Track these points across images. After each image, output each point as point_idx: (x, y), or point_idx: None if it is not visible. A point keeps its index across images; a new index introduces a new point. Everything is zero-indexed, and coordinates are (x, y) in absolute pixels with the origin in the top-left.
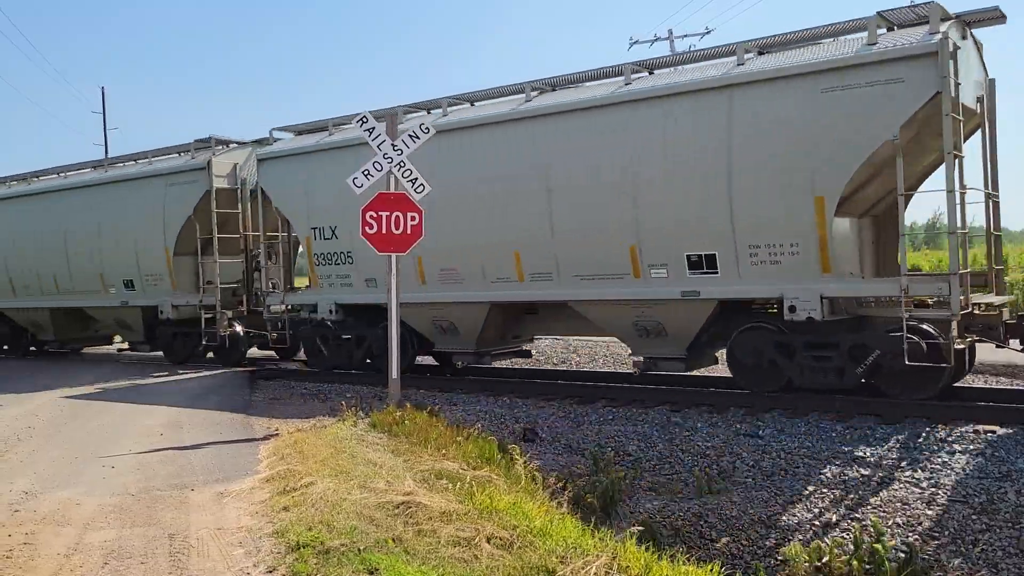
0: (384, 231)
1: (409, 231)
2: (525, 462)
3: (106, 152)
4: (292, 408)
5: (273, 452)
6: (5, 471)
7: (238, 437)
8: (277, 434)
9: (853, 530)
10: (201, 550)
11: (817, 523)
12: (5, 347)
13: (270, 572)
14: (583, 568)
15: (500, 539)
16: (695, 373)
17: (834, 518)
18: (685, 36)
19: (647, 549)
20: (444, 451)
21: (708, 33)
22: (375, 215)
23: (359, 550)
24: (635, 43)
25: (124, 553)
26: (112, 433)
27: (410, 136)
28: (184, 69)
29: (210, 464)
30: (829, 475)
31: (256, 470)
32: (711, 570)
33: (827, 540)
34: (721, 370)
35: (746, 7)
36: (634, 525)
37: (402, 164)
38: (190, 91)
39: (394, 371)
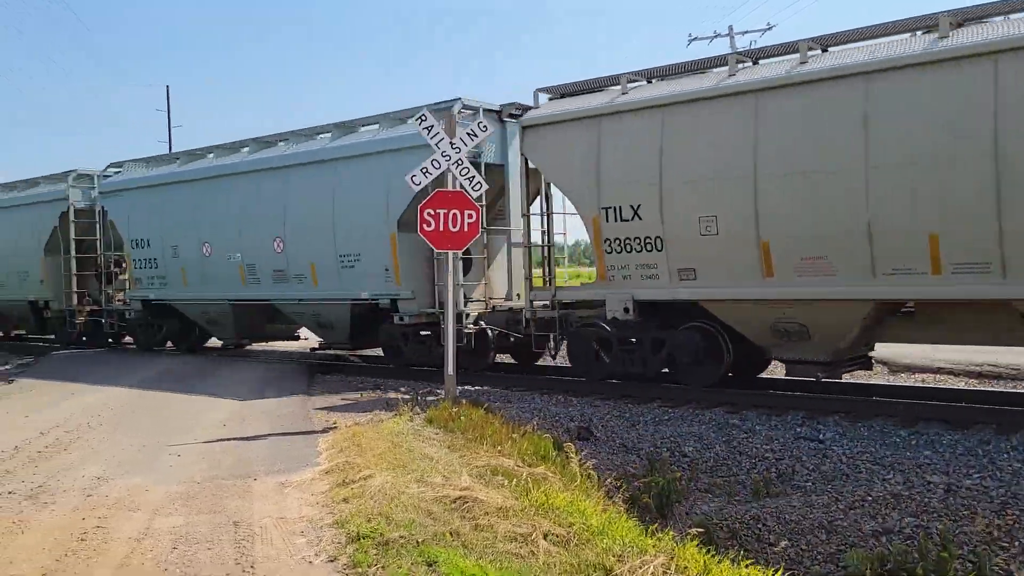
0: (441, 228)
1: (466, 229)
2: (580, 460)
3: (170, 149)
4: (349, 402)
5: (332, 445)
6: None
7: (298, 429)
8: (335, 427)
9: (918, 538)
10: (264, 538)
11: (880, 530)
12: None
13: (331, 561)
14: (640, 567)
15: (557, 536)
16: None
17: (898, 525)
18: (746, 32)
19: (706, 551)
20: (500, 448)
21: (770, 29)
22: (433, 212)
23: (418, 542)
24: (694, 39)
25: (192, 538)
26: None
27: (468, 134)
28: (243, 63)
29: (272, 455)
30: (893, 481)
31: (316, 462)
32: (773, 574)
33: (890, 547)
34: (779, 371)
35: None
36: (691, 526)
37: (460, 162)
38: (249, 86)
39: (450, 367)
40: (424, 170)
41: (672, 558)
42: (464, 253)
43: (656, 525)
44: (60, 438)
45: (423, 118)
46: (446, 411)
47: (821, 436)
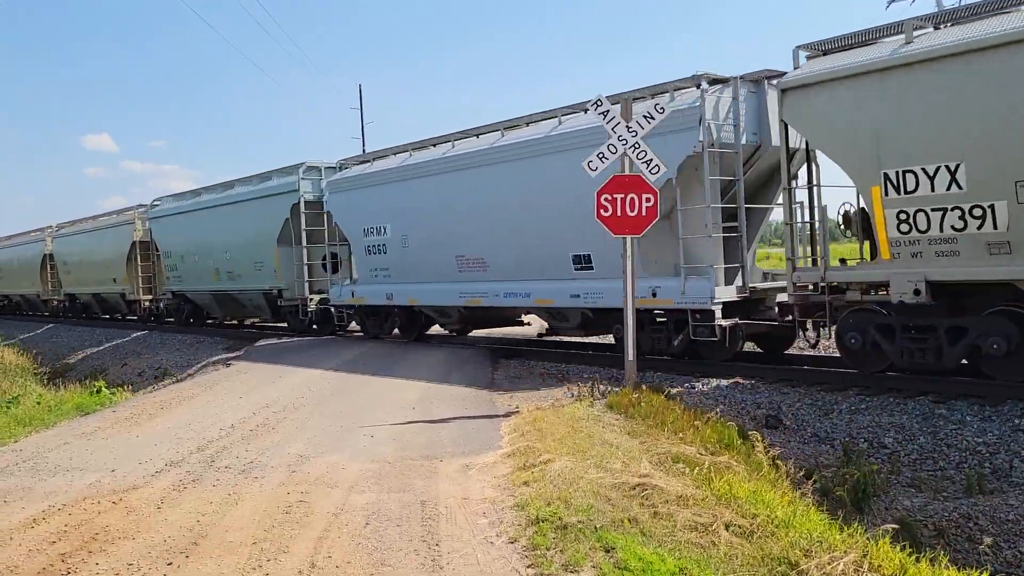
0: (619, 213)
1: (644, 213)
2: (766, 449)
3: (363, 148)
4: (531, 387)
5: (514, 429)
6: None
7: (481, 413)
8: (517, 411)
9: None
10: (449, 517)
11: None
12: None
13: (512, 543)
14: (829, 563)
15: (739, 527)
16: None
17: None
18: None
19: (902, 549)
20: (681, 435)
21: None
22: (610, 198)
23: (595, 528)
24: (893, 1)
25: (383, 515)
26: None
27: (645, 117)
28: (432, 60)
29: (457, 437)
30: None
31: (498, 445)
32: None
33: None
34: None
35: None
36: (888, 522)
37: (637, 145)
38: (439, 81)
39: (630, 353)
40: (600, 155)
41: (865, 555)
42: None
43: (849, 520)
44: (268, 418)
45: (598, 103)
46: (626, 397)
47: None
